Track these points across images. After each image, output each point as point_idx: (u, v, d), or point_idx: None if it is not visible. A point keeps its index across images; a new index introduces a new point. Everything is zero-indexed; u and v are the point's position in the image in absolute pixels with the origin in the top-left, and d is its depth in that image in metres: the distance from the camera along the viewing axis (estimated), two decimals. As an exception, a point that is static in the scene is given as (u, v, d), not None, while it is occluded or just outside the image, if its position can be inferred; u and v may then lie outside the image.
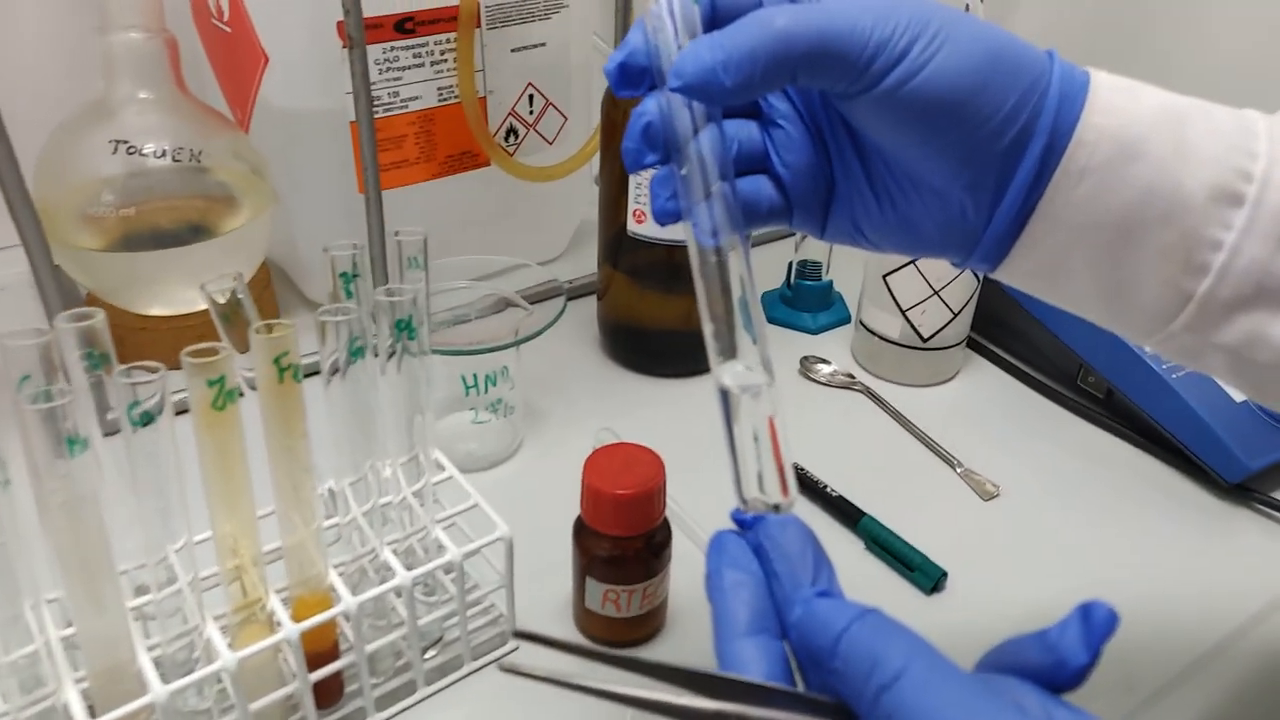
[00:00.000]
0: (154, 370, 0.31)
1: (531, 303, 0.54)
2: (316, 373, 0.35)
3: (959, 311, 0.59)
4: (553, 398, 0.59)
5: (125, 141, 0.55)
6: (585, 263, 0.70)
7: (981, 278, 0.59)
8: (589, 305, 0.66)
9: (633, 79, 0.30)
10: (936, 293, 0.58)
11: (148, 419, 0.31)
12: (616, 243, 0.59)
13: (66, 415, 0.29)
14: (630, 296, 0.60)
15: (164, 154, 0.56)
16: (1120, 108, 0.29)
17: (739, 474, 0.30)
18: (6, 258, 0.69)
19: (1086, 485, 0.55)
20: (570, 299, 0.67)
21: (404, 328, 0.37)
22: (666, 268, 0.59)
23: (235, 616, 0.36)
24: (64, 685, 0.33)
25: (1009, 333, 0.64)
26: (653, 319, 0.61)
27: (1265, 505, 0.52)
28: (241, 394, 0.34)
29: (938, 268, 0.58)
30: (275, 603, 0.37)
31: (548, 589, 0.46)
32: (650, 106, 0.30)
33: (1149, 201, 0.28)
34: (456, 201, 0.65)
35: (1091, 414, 0.59)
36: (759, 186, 0.33)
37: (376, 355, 0.38)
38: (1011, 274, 0.32)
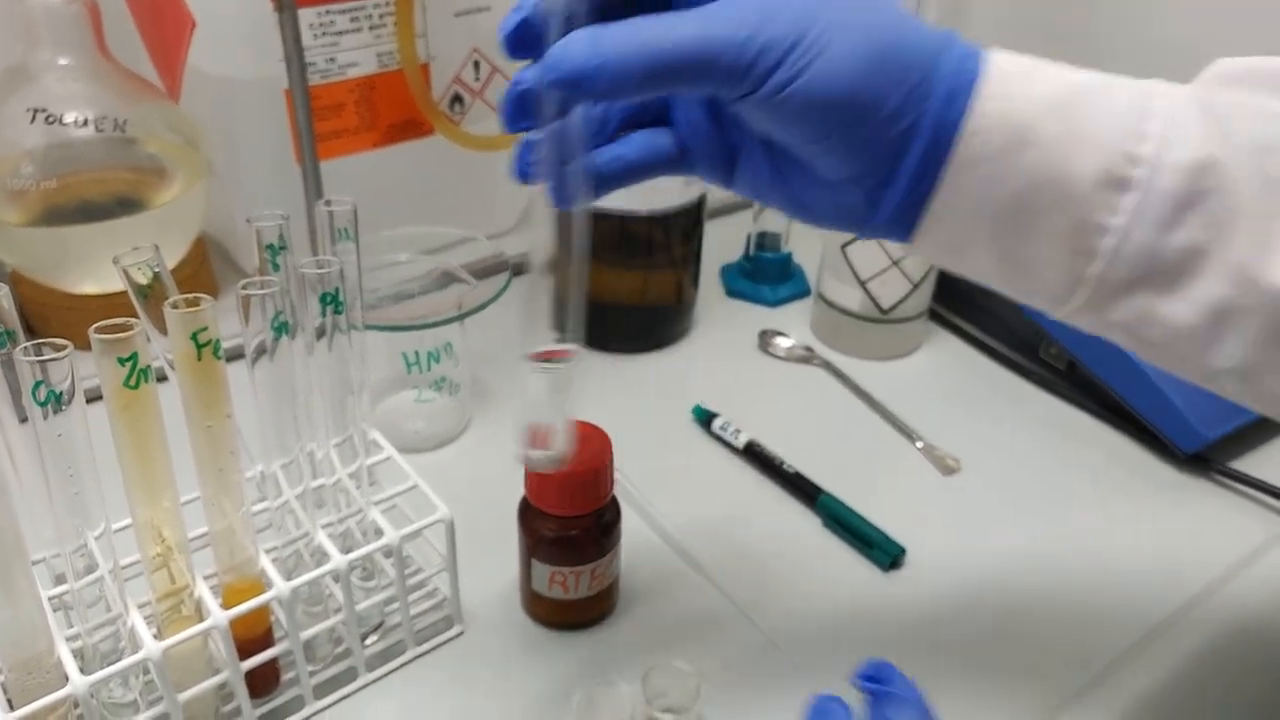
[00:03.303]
0: (61, 348, 0.29)
1: (479, 277, 0.52)
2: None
3: (919, 282, 0.58)
4: (503, 375, 0.58)
5: (44, 110, 0.53)
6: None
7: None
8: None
9: (529, 44, 0.29)
10: (895, 263, 0.57)
11: (55, 399, 0.29)
12: (566, 214, 0.57)
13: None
14: (582, 270, 0.59)
15: (86, 123, 0.54)
16: (1013, 93, 0.28)
17: (531, 427, 0.32)
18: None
19: (1047, 458, 0.54)
20: (521, 273, 0.66)
21: (330, 301, 0.35)
22: (619, 239, 0.57)
23: (161, 605, 0.34)
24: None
25: (971, 304, 0.63)
26: (607, 292, 0.59)
27: (1222, 475, 0.52)
28: (164, 377, 0.32)
29: (895, 238, 0.56)
30: (203, 590, 0.35)
31: (495, 571, 0.44)
32: (528, 76, 0.29)
33: (1038, 189, 0.28)
34: (401, 172, 0.63)
35: (1053, 386, 0.58)
36: (659, 141, 0.33)
37: (305, 332, 0.36)
38: (918, 251, 0.32)
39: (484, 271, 0.53)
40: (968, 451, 0.53)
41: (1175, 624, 0.44)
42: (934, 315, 0.63)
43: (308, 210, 0.56)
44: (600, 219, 0.56)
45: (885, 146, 0.29)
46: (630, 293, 0.59)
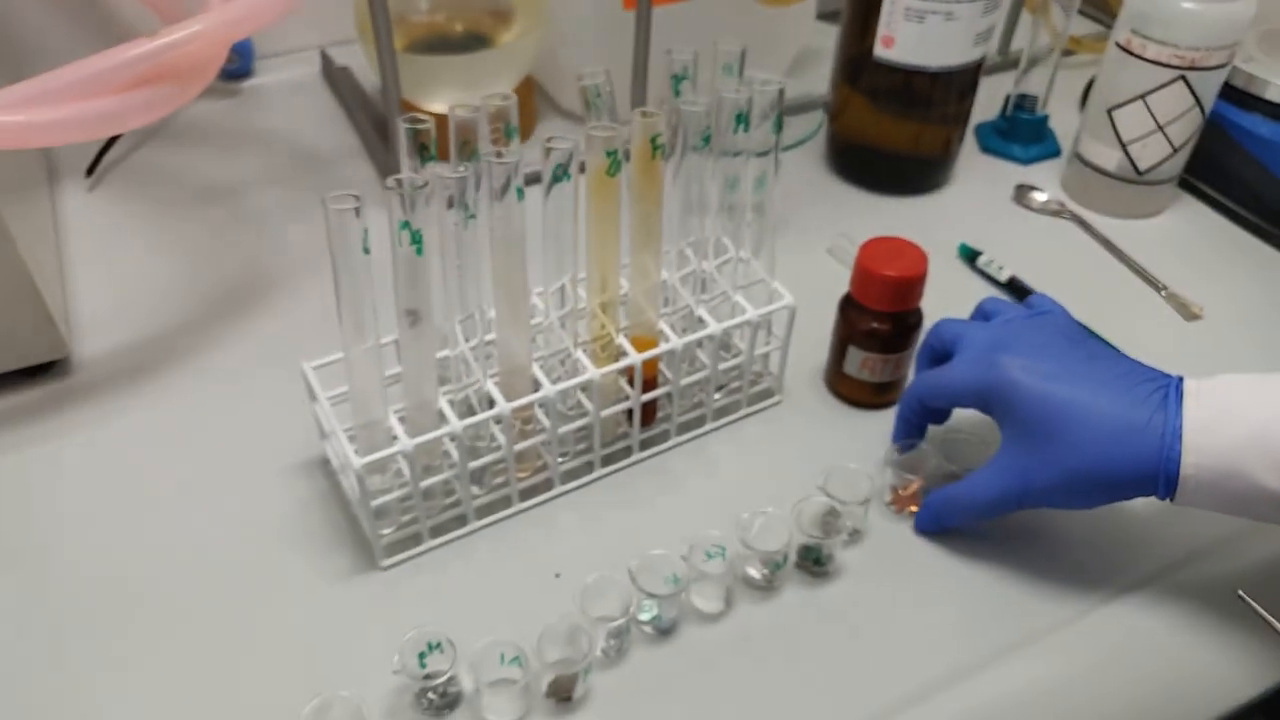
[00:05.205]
0: (564, 140, 0.39)
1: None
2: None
3: (1180, 147, 0.63)
4: (789, 206, 0.67)
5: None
6: (804, 88, 0.75)
7: (1204, 116, 0.62)
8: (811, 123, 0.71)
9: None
10: (1161, 128, 0.62)
11: (564, 176, 0.40)
12: (859, 64, 0.64)
13: (516, 170, 0.38)
14: (865, 116, 0.66)
15: (466, -35, 0.63)
16: (1214, 446, 0.38)
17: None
18: (304, 58, 0.78)
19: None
20: (791, 117, 0.74)
21: (741, 120, 0.44)
22: (904, 91, 0.64)
23: (593, 344, 0.46)
24: (484, 379, 0.44)
25: (1223, 174, 0.67)
26: (885, 139, 0.66)
27: None
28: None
29: (1164, 105, 0.61)
30: (621, 338, 0.46)
31: (798, 357, 0.54)
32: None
33: (1250, 500, 0.38)
34: (690, 26, 0.70)
35: (1292, 252, 0.63)
36: None
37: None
38: None
39: (787, 112, 0.61)
40: (1211, 301, 0.59)
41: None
42: (1183, 183, 0.68)
43: (635, 51, 0.65)
44: (887, 71, 0.63)
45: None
46: (905, 140, 0.66)
